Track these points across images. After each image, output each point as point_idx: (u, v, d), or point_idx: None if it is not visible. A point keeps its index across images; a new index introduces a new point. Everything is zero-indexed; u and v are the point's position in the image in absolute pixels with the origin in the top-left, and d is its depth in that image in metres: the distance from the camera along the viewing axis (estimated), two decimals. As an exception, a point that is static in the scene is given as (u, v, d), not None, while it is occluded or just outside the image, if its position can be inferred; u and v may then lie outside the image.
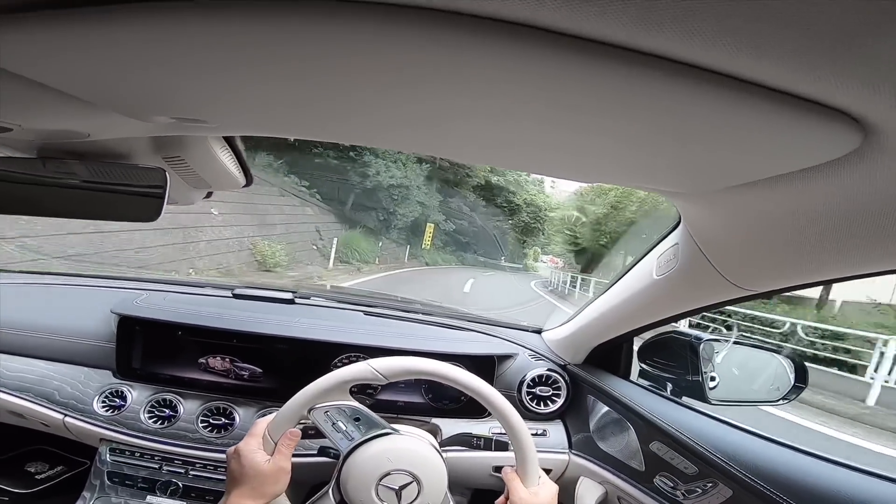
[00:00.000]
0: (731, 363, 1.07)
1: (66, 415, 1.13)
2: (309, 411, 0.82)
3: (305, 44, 0.33)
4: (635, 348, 1.18)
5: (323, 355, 1.16)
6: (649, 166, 0.52)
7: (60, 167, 0.69)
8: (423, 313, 1.43)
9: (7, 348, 1.21)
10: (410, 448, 0.84)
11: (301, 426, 0.84)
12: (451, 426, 1.18)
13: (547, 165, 0.62)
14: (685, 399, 1.02)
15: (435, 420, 1.19)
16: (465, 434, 1.17)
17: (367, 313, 1.37)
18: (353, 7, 0.29)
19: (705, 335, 1.03)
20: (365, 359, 0.85)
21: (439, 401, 1.21)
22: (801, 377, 0.99)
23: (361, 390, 1.19)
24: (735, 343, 1.08)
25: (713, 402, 1.00)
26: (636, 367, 1.17)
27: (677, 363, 1.05)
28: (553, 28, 0.29)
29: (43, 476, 1.49)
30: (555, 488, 0.86)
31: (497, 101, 0.39)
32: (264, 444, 0.80)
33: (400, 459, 0.82)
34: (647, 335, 1.11)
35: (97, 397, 1.14)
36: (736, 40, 0.28)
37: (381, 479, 0.80)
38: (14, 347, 1.21)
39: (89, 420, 1.12)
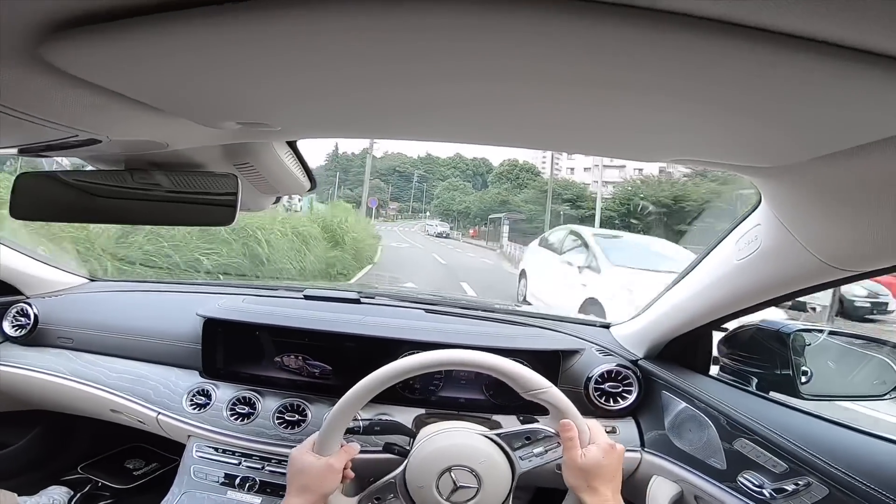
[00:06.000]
0: (825, 355, 0.97)
1: (159, 412, 1.22)
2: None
3: (351, 44, 0.33)
4: (714, 342, 1.10)
5: (388, 352, 1.18)
6: (728, 141, 0.50)
7: (145, 178, 0.76)
8: (483, 310, 1.43)
9: (110, 350, 1.34)
10: (474, 445, 0.84)
11: (366, 422, 0.87)
12: (512, 423, 1.15)
13: (620, 148, 0.61)
14: (772, 394, 0.94)
15: (496, 417, 1.17)
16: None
17: (427, 311, 1.38)
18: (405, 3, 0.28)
19: (795, 325, 0.95)
20: None
21: (500, 397, 1.20)
22: (915, 369, 0.89)
23: (424, 387, 1.20)
24: (830, 333, 0.98)
25: (806, 397, 0.92)
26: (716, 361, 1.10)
27: (763, 356, 0.98)
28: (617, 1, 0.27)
29: (139, 472, 1.62)
30: (605, 445, 0.79)
31: (565, 85, 0.37)
32: (319, 448, 0.82)
33: (463, 455, 0.82)
34: (728, 327, 1.03)
35: (185, 396, 1.23)
36: (832, 5, 0.25)
37: (442, 474, 0.81)
38: (116, 350, 1.34)
39: (179, 418, 1.20)
